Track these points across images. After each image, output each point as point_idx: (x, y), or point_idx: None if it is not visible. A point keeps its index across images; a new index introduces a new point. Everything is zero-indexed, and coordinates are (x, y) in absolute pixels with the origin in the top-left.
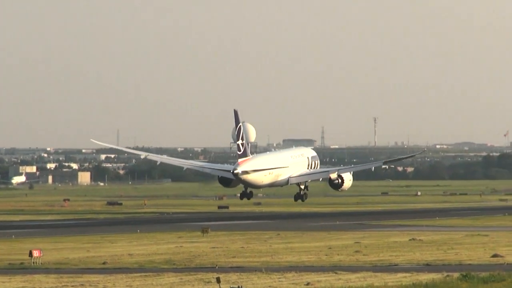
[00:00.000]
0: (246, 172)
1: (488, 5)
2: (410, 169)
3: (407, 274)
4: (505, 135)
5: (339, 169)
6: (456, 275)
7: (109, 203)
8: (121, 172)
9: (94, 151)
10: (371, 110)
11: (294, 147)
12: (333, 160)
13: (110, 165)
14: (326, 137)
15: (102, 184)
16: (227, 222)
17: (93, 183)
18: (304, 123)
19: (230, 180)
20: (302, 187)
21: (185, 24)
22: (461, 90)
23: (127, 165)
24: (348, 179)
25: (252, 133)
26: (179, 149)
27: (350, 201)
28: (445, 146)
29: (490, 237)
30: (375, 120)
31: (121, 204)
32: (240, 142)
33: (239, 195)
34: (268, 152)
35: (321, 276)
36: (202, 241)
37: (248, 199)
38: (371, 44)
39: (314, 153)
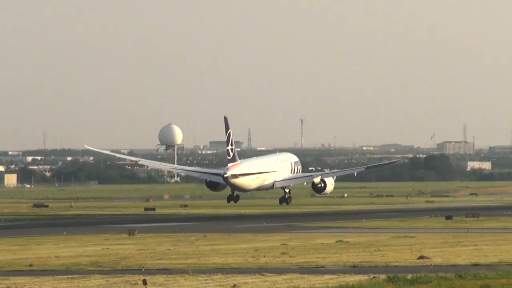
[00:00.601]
0: (235, 176)
1: (405, 5)
2: None
3: (334, 276)
4: (431, 137)
5: (322, 174)
6: (382, 276)
7: (36, 205)
8: (48, 174)
9: (21, 153)
10: (297, 112)
11: (278, 152)
12: None
13: (37, 167)
14: (253, 139)
15: (28, 186)
16: (153, 224)
17: (19, 185)
18: (231, 125)
19: (218, 184)
20: (287, 190)
21: (106, 23)
22: (387, 92)
23: (53, 167)
24: (330, 183)
25: (178, 135)
26: (105, 151)
27: (276, 203)
28: (371, 148)
29: (417, 239)
30: (301, 122)
31: (47, 206)
32: (229, 147)
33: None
34: (254, 158)
35: (247, 278)
36: (128, 243)
37: (235, 202)
38: (297, 46)
39: (297, 159)
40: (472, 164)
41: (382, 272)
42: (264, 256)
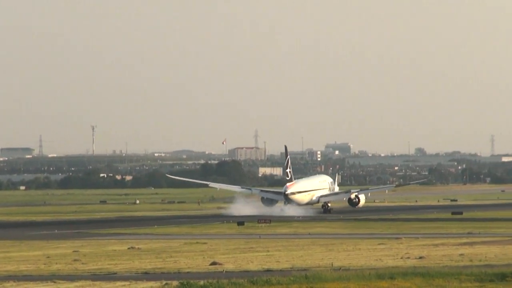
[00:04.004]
0: (293, 193)
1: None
2: (128, 178)
3: (126, 283)
4: (223, 143)
5: (358, 191)
6: (175, 283)
7: None
8: None
9: None
10: (88, 118)
11: (317, 175)
12: (51, 168)
13: None
14: (44, 146)
15: None
16: None
17: None
18: (21, 132)
19: (272, 200)
20: (329, 204)
21: None
22: (177, 98)
23: None
24: (363, 198)
25: None
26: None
27: (68, 210)
28: (163, 154)
29: (209, 245)
30: (93, 128)
31: None
32: (288, 170)
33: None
34: (304, 179)
35: (39, 285)
36: None
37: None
38: (89, 53)
39: (331, 179)
40: (263, 170)
41: (174, 278)
42: (56, 263)
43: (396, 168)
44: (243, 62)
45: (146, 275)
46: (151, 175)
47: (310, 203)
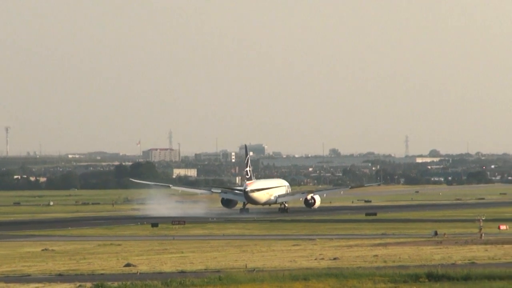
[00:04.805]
0: (253, 191)
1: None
2: (43, 179)
3: (40, 285)
4: (137, 144)
5: (314, 192)
6: (88, 285)
7: None
8: None
9: None
10: (2, 119)
11: (274, 178)
12: None
13: None
14: None
15: None
16: None
17: None
18: None
19: (231, 201)
20: (287, 205)
21: None
22: (93, 99)
23: None
24: (318, 200)
25: None
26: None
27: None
28: (77, 156)
29: (123, 247)
30: (7, 129)
31: None
32: (248, 169)
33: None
34: (262, 180)
35: None
36: None
37: (246, 213)
38: (1, 48)
39: (287, 183)
40: (178, 171)
41: (88, 280)
42: None
43: (310, 169)
44: (158, 63)
45: (60, 277)
46: (65, 176)
47: (268, 203)
